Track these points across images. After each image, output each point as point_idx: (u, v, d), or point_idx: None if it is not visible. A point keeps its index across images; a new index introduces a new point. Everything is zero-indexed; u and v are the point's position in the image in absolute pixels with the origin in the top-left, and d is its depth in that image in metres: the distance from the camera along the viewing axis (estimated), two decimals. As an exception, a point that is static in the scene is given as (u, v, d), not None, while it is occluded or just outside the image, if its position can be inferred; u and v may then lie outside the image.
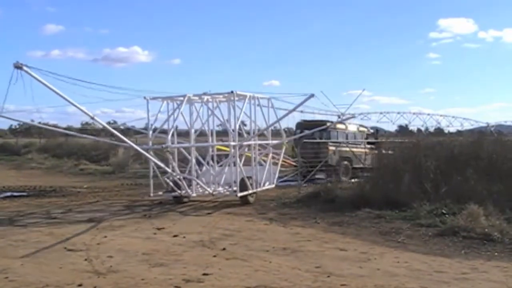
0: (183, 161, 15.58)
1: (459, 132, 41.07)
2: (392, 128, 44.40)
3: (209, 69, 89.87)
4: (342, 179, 17.53)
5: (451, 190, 11.42)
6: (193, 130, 15.08)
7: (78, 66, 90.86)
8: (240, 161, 14.23)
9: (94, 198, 15.80)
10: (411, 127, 46.04)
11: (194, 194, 14.23)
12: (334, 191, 13.19)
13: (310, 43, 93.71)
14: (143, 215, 12.13)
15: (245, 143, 14.42)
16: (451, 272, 6.85)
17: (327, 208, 12.16)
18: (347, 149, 20.08)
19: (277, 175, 16.06)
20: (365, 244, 8.72)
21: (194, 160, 14.75)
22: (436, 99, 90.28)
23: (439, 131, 44.49)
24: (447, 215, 10.21)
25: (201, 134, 16.11)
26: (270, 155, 15.78)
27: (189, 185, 14.08)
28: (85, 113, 11.58)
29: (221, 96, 14.91)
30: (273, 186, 15.58)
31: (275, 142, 16.14)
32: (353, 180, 16.74)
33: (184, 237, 9.42)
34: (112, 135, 13.49)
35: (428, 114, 49.16)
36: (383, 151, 15.62)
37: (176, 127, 14.86)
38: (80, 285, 6.45)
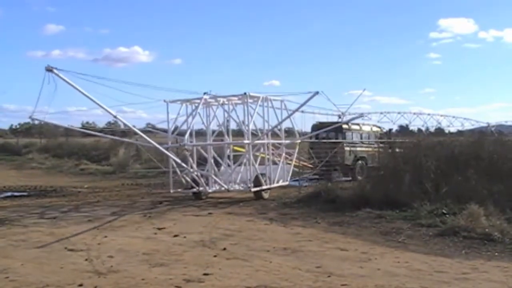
0: (205, 160, 16.13)
1: (459, 132, 41.08)
2: (393, 128, 44.40)
3: (209, 69, 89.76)
4: (358, 178, 18.21)
5: (451, 190, 11.41)
6: (210, 130, 16.07)
7: (78, 66, 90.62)
8: (255, 160, 15.33)
9: (94, 198, 15.82)
10: (411, 127, 46.06)
11: (211, 190, 14.95)
12: (335, 191, 13.19)
13: (310, 43, 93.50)
14: (143, 215, 12.13)
15: (258, 141, 15.32)
16: (452, 272, 6.85)
17: (327, 208, 12.16)
18: (362, 149, 20.47)
19: (290, 173, 16.72)
20: (366, 244, 8.72)
21: (211, 159, 15.41)
22: (436, 99, 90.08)
23: (439, 131, 44.51)
24: (447, 215, 10.20)
25: (219, 134, 17.11)
26: (284, 154, 16.56)
27: (207, 182, 14.79)
28: (108, 112, 12.44)
29: (236, 98, 15.76)
30: (286, 183, 16.27)
31: (287, 141, 16.91)
32: None
33: (184, 237, 9.42)
34: (135, 133, 14.76)
35: (429, 114, 49.17)
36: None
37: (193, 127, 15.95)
38: (80, 285, 6.45)
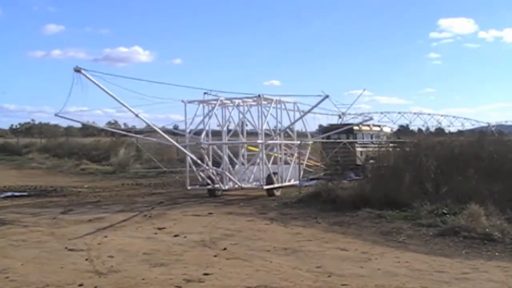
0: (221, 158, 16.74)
1: (460, 132, 41.06)
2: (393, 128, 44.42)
3: (209, 69, 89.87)
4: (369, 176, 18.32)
5: (451, 190, 11.41)
6: (225, 129, 16.95)
7: (78, 66, 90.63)
8: (268, 160, 16.24)
9: (95, 198, 15.82)
10: (411, 127, 46.09)
11: (226, 188, 15.65)
12: (335, 191, 13.17)
13: (310, 43, 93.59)
14: (143, 215, 12.13)
15: (271, 141, 16.13)
16: (452, 272, 6.85)
17: (328, 208, 12.16)
18: (373, 149, 20.66)
19: (302, 173, 17.15)
20: (366, 244, 8.72)
21: (226, 157, 16.14)
22: (437, 99, 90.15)
23: (439, 131, 44.51)
24: (447, 215, 10.20)
25: (234, 134, 17.91)
26: (296, 154, 17.23)
27: (221, 180, 15.61)
28: (131, 111, 13.23)
29: (250, 100, 16.64)
30: (297, 182, 16.51)
31: (298, 142, 17.58)
32: None
33: (185, 237, 9.43)
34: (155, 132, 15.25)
35: (429, 114, 49.25)
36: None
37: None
38: (81, 285, 6.45)
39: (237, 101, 16.73)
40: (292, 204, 13.43)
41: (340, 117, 22.67)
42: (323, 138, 20.08)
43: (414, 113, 48.15)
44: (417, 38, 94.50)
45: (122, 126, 26.14)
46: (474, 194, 10.73)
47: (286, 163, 17.05)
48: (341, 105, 20.27)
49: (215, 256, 7.91)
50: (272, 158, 16.91)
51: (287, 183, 16.25)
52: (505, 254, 7.83)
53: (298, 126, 18.76)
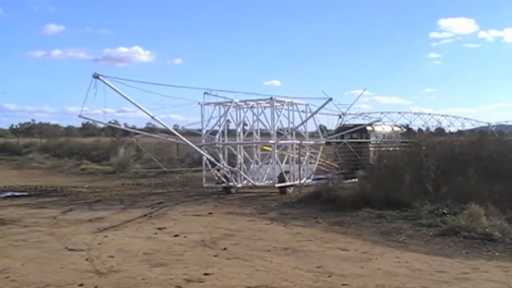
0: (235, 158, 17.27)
1: (460, 132, 41.01)
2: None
3: (210, 69, 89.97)
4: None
5: (452, 190, 11.40)
6: (239, 130, 17.58)
7: (79, 66, 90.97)
8: (281, 159, 16.96)
9: (95, 198, 15.82)
10: (411, 127, 46.00)
11: (240, 185, 16.27)
12: (335, 191, 13.17)
13: (311, 43, 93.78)
14: (144, 215, 12.13)
15: (283, 141, 16.81)
16: (452, 272, 6.85)
17: (328, 208, 12.15)
18: (385, 148, 20.85)
19: (313, 172, 18.10)
20: (366, 244, 8.72)
21: (241, 156, 16.52)
22: (437, 99, 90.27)
23: (440, 131, 44.45)
24: (448, 215, 10.20)
25: (249, 135, 18.65)
26: (308, 154, 18.04)
27: (236, 178, 16.20)
28: (146, 113, 13.84)
29: (264, 102, 17.37)
30: (310, 181, 17.28)
31: (311, 142, 18.45)
32: None
33: (185, 237, 9.42)
34: (173, 134, 16.02)
35: (429, 114, 49.09)
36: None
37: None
38: (81, 285, 6.45)
39: (251, 103, 17.55)
40: (292, 204, 13.42)
41: (340, 117, 22.66)
42: (336, 138, 20.30)
43: (414, 113, 48.01)
44: (417, 38, 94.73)
45: (122, 126, 26.23)
46: (474, 194, 10.73)
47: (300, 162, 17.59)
48: (341, 105, 20.33)
49: (216, 256, 7.91)
50: (286, 157, 17.54)
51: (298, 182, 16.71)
52: (506, 254, 7.83)
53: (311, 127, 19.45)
